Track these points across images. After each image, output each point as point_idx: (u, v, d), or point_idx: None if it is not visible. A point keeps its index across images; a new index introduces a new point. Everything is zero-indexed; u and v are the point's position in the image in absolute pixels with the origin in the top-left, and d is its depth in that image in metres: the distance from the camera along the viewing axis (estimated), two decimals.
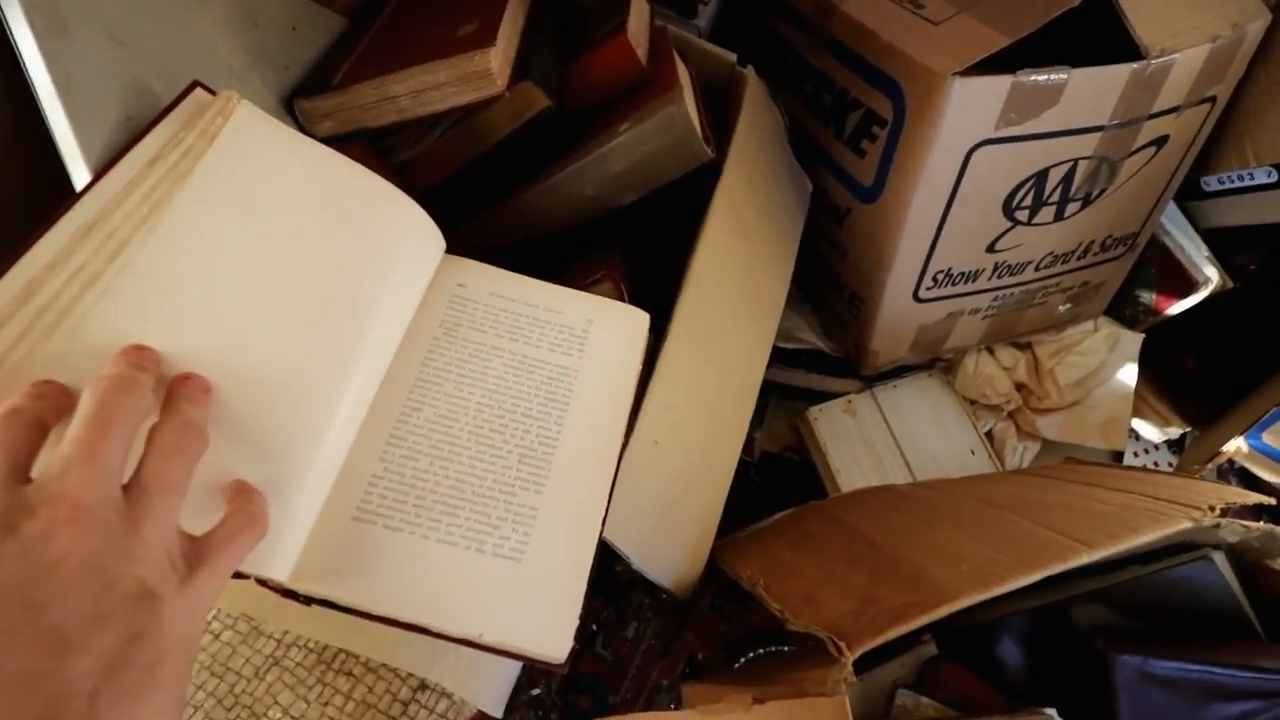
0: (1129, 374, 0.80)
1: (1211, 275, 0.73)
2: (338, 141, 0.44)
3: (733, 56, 0.61)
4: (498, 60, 0.43)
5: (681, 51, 0.61)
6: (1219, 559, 0.50)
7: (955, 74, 0.50)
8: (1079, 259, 0.69)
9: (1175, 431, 0.84)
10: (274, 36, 0.46)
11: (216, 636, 0.43)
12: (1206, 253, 0.75)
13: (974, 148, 0.54)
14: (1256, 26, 0.55)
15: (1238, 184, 0.71)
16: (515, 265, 0.45)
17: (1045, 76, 0.50)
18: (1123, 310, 0.80)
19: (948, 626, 0.55)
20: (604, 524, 0.37)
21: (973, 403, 0.82)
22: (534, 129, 0.50)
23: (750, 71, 0.61)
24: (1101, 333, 0.79)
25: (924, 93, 0.53)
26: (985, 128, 0.53)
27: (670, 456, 0.44)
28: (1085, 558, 0.43)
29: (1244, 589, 0.52)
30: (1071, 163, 0.57)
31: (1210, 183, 0.73)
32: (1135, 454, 0.88)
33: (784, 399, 0.83)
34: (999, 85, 0.50)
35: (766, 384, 0.81)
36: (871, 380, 0.81)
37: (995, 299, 0.70)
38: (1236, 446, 0.76)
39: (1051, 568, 0.43)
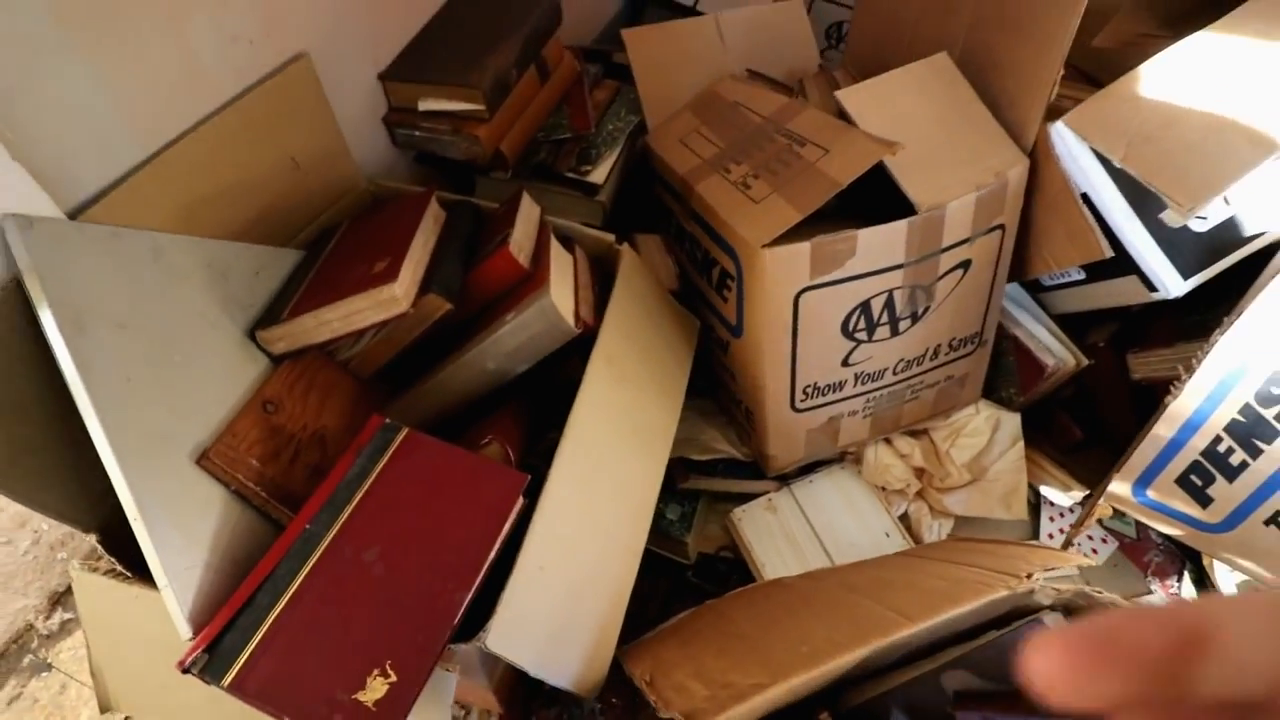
0: (1017, 450, 0.89)
1: (1062, 356, 0.84)
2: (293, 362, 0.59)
3: (611, 237, 0.77)
4: (402, 288, 0.58)
5: (572, 238, 0.77)
6: (1051, 618, 0.58)
7: (764, 246, 0.64)
8: (932, 360, 0.80)
9: (1078, 495, 0.92)
10: (242, 284, 0.62)
11: None
12: (1054, 338, 0.86)
13: (799, 293, 0.67)
14: (1016, 171, 0.69)
15: (1062, 280, 0.83)
16: (445, 429, 0.57)
17: (836, 239, 0.64)
18: (1000, 393, 0.90)
19: (843, 704, 0.63)
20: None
21: (885, 489, 0.92)
22: (447, 321, 0.64)
23: (625, 247, 0.76)
24: (983, 415, 0.89)
25: (750, 257, 0.67)
26: (803, 279, 0.66)
27: (558, 578, 0.55)
28: (905, 631, 0.52)
29: None
30: (886, 293, 0.70)
31: (1045, 280, 0.86)
32: (1051, 518, 0.95)
33: (714, 503, 0.93)
34: (803, 249, 0.64)
35: (695, 492, 0.92)
36: (789, 478, 0.91)
37: (867, 401, 0.81)
38: (1126, 502, 0.84)
39: (874, 643, 0.52)
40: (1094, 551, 0.92)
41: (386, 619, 0.44)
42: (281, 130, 0.67)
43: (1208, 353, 0.63)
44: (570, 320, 0.62)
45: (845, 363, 0.75)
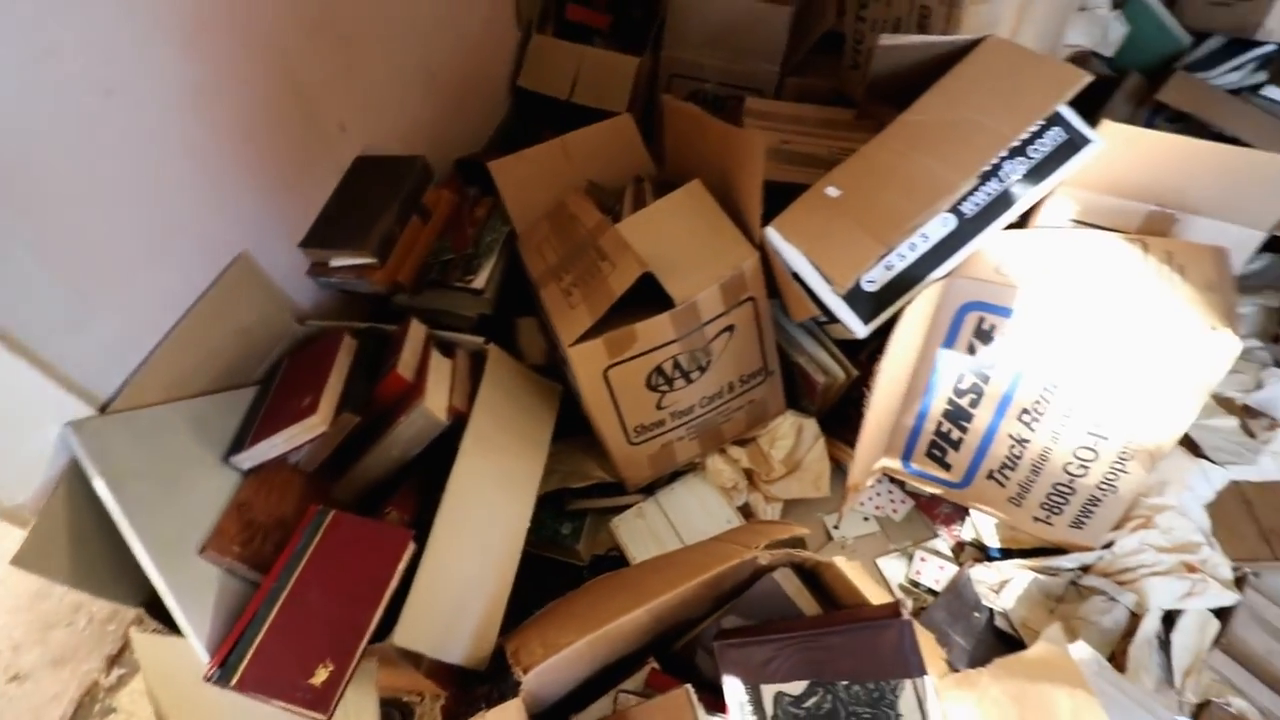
0: (819, 445, 1.18)
1: (834, 373, 1.12)
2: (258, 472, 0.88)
3: (481, 340, 1.05)
4: (320, 417, 0.86)
5: (452, 343, 1.05)
6: (781, 574, 0.87)
7: (569, 345, 0.92)
8: (730, 392, 1.09)
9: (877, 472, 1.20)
10: (216, 426, 0.90)
11: None
12: (831, 358, 1.14)
13: (605, 370, 0.96)
14: (749, 262, 0.97)
15: (823, 320, 1.12)
16: (374, 497, 0.85)
17: (620, 333, 0.93)
18: (802, 404, 1.19)
19: (669, 651, 0.91)
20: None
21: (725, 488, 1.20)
22: (361, 425, 0.93)
23: (491, 346, 1.04)
24: (789, 421, 1.18)
25: (565, 350, 0.95)
26: (604, 361, 0.95)
27: (445, 594, 0.83)
28: (668, 593, 0.80)
29: (812, 587, 0.88)
30: (671, 358, 0.99)
31: (816, 319, 1.14)
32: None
33: (603, 515, 1.22)
34: (598, 344, 0.93)
35: (581, 511, 1.20)
36: (655, 488, 1.20)
37: (688, 428, 1.10)
38: (900, 472, 1.13)
39: (647, 604, 0.80)
40: (895, 511, 1.20)
41: (327, 632, 0.73)
42: (235, 311, 0.96)
43: (878, 373, 0.92)
44: (443, 417, 0.91)
45: (659, 407, 1.04)
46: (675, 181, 1.09)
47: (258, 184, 0.99)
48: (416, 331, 1.01)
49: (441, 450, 0.95)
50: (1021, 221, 0.95)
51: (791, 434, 1.18)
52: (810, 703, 0.74)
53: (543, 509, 1.11)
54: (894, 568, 1.13)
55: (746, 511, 1.19)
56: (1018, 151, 0.88)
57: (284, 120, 1.02)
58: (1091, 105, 1.29)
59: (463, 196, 1.28)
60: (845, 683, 0.74)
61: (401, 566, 0.78)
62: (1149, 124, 1.35)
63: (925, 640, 0.78)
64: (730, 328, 1.01)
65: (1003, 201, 0.89)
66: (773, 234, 0.95)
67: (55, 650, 1.32)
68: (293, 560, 0.79)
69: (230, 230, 0.97)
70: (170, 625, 0.81)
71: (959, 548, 1.15)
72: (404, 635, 0.76)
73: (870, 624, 0.75)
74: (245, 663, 0.70)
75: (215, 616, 0.75)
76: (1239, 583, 1.00)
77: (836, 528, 1.18)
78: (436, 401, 0.92)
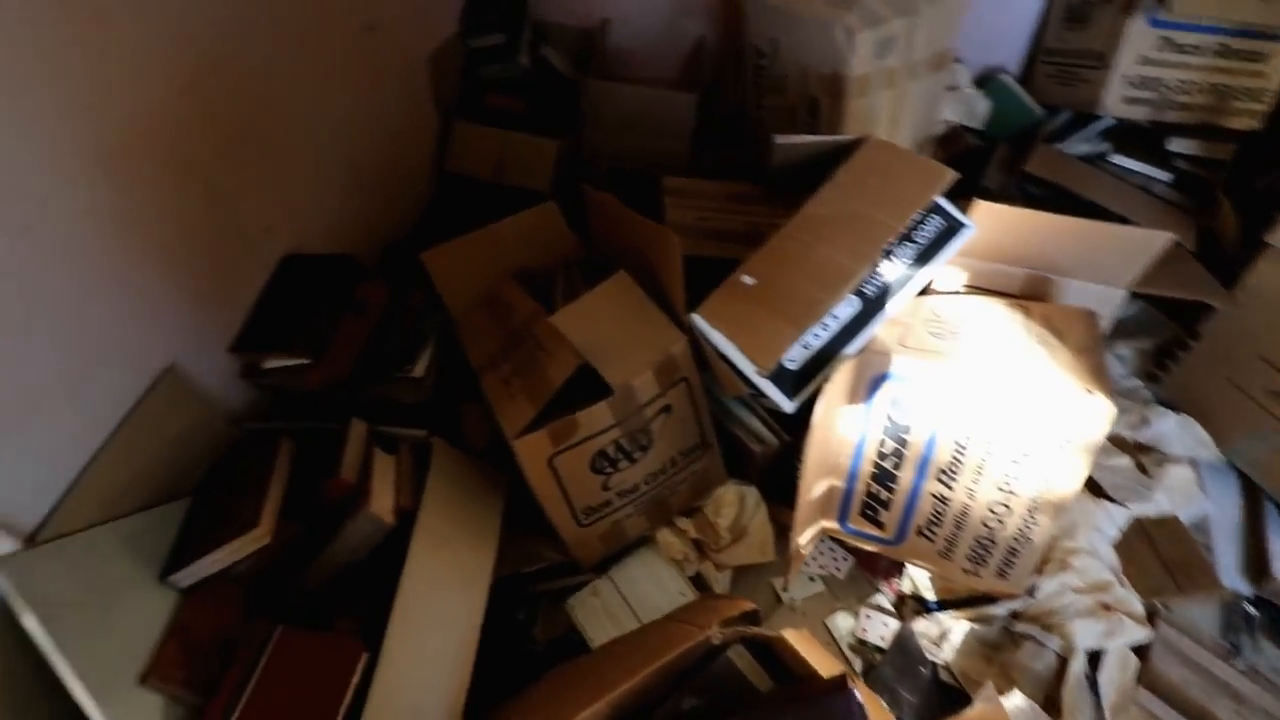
0: (762, 511, 1.22)
1: (769, 441, 1.18)
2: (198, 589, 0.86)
3: (424, 433, 1.07)
4: (263, 529, 0.86)
5: (394, 438, 1.07)
6: (735, 652, 0.89)
7: (515, 437, 0.95)
8: (674, 467, 1.13)
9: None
10: (152, 542, 0.88)
11: None
12: (765, 426, 1.20)
13: (550, 458, 0.99)
14: (679, 346, 1.02)
15: (754, 394, 1.18)
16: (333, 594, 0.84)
17: (562, 423, 0.96)
18: (744, 471, 1.24)
19: None
20: None
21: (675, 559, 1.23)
22: (301, 534, 0.92)
23: (436, 440, 1.06)
24: (731, 490, 1.22)
25: (511, 442, 0.98)
26: (548, 450, 0.98)
27: (403, 702, 0.82)
28: (626, 683, 0.82)
29: (764, 660, 0.91)
30: (613, 441, 1.03)
31: (742, 397, 1.20)
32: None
33: (555, 598, 1.22)
34: (542, 435, 0.96)
35: (538, 594, 1.20)
36: (608, 564, 1.22)
37: (634, 505, 1.13)
38: (838, 532, 1.18)
39: (608, 695, 0.81)
40: (838, 569, 1.26)
41: None
42: (166, 423, 0.94)
43: (806, 444, 0.98)
44: (390, 518, 0.92)
45: (605, 488, 1.07)
46: (602, 262, 1.15)
47: (183, 295, 0.99)
48: (358, 430, 1.02)
49: (390, 545, 0.95)
50: (920, 293, 1.05)
51: (735, 502, 1.23)
52: None
53: (495, 595, 1.11)
54: (843, 624, 1.17)
55: (699, 582, 1.22)
56: (905, 238, 0.98)
57: (206, 229, 1.02)
58: (970, 171, 1.44)
59: (395, 287, 1.31)
60: None
61: (355, 680, 0.78)
62: (1021, 190, 1.51)
63: (873, 704, 0.82)
64: (667, 407, 1.06)
65: (898, 282, 0.98)
66: (698, 320, 1.01)
67: None
68: (239, 684, 0.77)
69: (156, 343, 0.96)
70: None
71: (901, 600, 1.20)
72: None
73: (820, 698, 0.78)
74: None
75: None
76: (1151, 617, 1.08)
77: (785, 590, 1.21)
78: (382, 504, 0.92)
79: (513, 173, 1.60)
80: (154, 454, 0.94)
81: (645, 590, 1.19)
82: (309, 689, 0.77)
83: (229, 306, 1.09)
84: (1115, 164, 1.53)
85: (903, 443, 1.02)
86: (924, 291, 1.04)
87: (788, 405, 0.99)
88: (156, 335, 0.96)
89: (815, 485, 1.06)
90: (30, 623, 0.73)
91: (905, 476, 1.05)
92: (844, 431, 1.06)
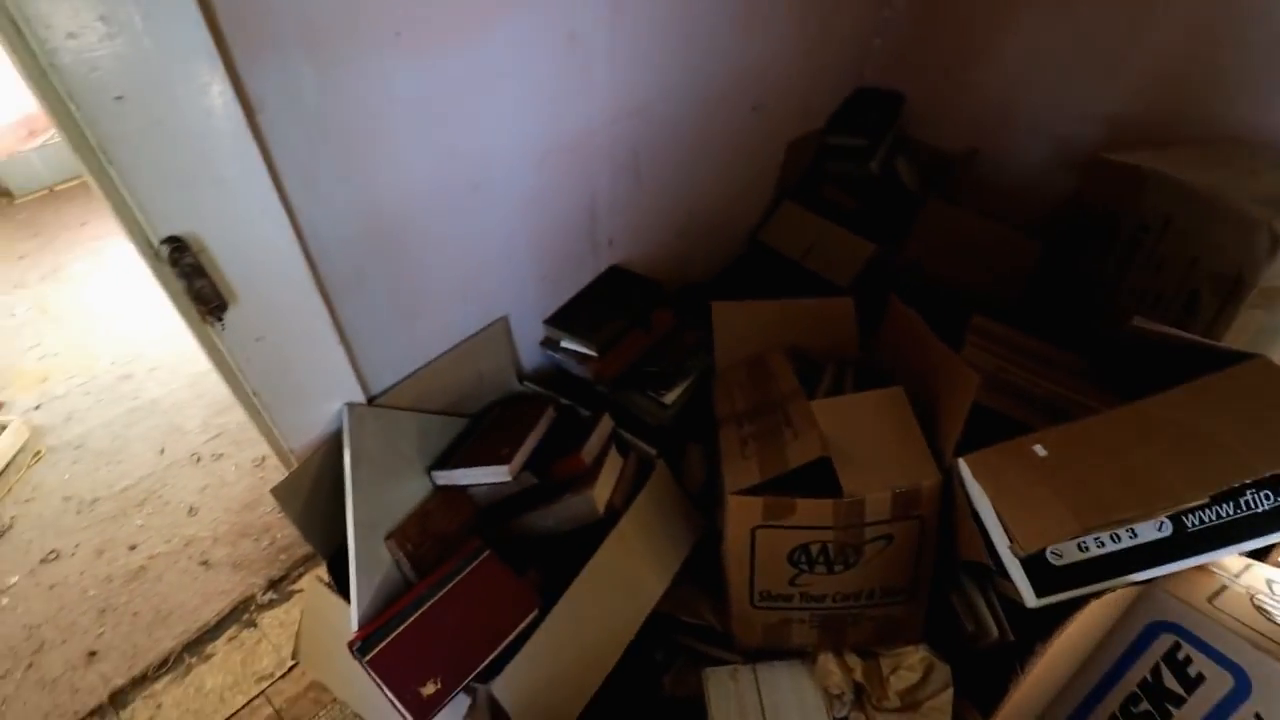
0: (947, 694, 1.08)
1: (986, 627, 1.05)
2: (445, 490, 1.05)
3: (654, 451, 1.15)
4: (511, 469, 1.01)
5: (628, 444, 1.17)
6: None
7: (731, 494, 0.98)
8: (868, 599, 1.06)
9: None
10: (433, 441, 1.10)
11: None
12: (989, 612, 1.06)
13: (754, 528, 1.00)
14: (929, 482, 0.97)
15: (993, 569, 1.06)
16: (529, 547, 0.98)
17: (781, 500, 0.97)
18: (943, 648, 1.11)
19: None
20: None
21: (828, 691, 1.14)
22: (537, 486, 1.06)
23: (660, 462, 1.14)
24: (919, 655, 1.10)
25: (725, 497, 1.01)
26: (756, 519, 0.99)
27: (549, 666, 0.90)
28: None
29: None
30: (821, 543, 1.00)
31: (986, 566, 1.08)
32: None
33: (695, 660, 1.21)
34: (758, 501, 0.98)
35: (681, 646, 1.21)
36: (757, 657, 1.18)
37: (813, 614, 1.08)
38: None
39: None
40: None
41: (448, 653, 0.83)
42: (481, 357, 1.18)
43: (1038, 655, 0.85)
44: (601, 508, 1.01)
45: (792, 583, 1.05)
46: (877, 370, 1.13)
47: (538, 268, 1.23)
48: (605, 425, 1.15)
49: (589, 532, 1.05)
50: (1260, 554, 0.85)
51: (919, 669, 1.10)
52: None
53: (646, 624, 1.14)
54: None
55: None
56: (1268, 485, 0.80)
57: (574, 229, 1.27)
58: None
59: (680, 320, 1.44)
60: None
61: (522, 626, 0.87)
62: None
63: None
64: (889, 537, 1.00)
65: (1237, 530, 0.81)
66: (964, 467, 0.95)
67: (239, 555, 1.60)
68: (445, 578, 0.92)
69: (505, 295, 1.20)
70: (339, 582, 0.97)
71: None
72: (503, 687, 0.84)
73: None
74: (381, 647, 0.83)
75: (375, 596, 0.90)
76: None
77: None
78: (602, 493, 1.02)
79: (819, 260, 1.66)
80: (464, 376, 1.16)
81: (785, 702, 1.13)
82: (485, 615, 0.89)
83: (560, 289, 1.32)
84: None
85: (1167, 713, 0.83)
86: (1264, 554, 0.85)
87: (1031, 599, 0.88)
88: (509, 289, 1.20)
89: (1027, 705, 0.91)
90: (347, 459, 0.96)
91: None
92: (1086, 662, 0.90)
